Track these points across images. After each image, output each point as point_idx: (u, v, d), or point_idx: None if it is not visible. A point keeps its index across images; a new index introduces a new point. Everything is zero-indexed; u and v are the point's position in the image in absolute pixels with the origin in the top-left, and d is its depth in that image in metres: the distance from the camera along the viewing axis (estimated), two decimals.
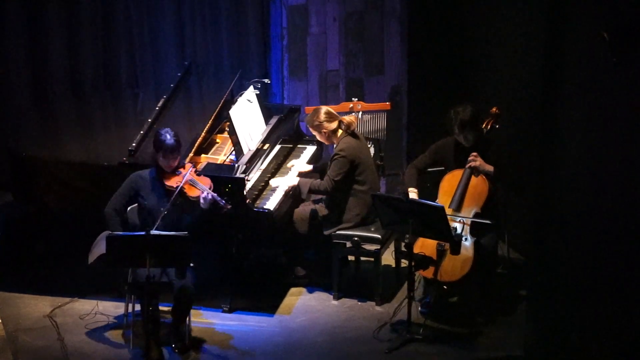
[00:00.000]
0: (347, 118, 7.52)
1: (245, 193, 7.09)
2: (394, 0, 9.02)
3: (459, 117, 7.11)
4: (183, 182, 6.77)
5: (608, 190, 5.56)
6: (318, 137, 7.59)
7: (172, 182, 6.82)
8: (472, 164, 7.13)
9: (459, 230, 6.99)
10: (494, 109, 7.35)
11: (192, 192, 6.82)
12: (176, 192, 6.71)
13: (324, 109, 7.51)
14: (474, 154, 7.14)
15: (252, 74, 8.55)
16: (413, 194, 7.29)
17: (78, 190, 7.49)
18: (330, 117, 7.46)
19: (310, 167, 7.80)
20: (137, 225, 6.92)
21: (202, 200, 6.77)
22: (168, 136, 6.79)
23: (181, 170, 6.88)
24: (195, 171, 6.97)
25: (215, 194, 6.78)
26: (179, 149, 6.85)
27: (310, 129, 7.56)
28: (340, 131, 7.48)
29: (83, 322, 7.17)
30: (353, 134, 7.49)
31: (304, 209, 7.60)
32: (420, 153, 7.58)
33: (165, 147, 6.80)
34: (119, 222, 6.86)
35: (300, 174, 7.68)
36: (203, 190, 6.79)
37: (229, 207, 6.78)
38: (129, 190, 6.91)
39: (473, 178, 7.14)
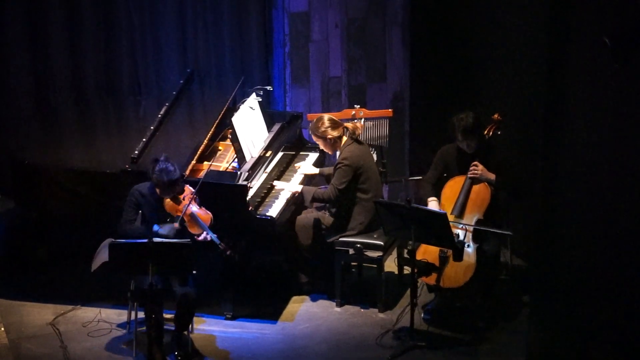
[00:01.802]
0: (351, 124, 7.51)
1: (247, 200, 7.09)
2: (396, 6, 9.02)
3: (462, 124, 7.11)
4: (184, 212, 6.69)
5: (611, 196, 5.56)
6: (321, 146, 7.57)
7: (171, 208, 6.75)
8: (474, 173, 7.12)
9: (461, 237, 6.98)
10: (495, 115, 7.35)
11: (192, 228, 6.76)
12: (178, 224, 6.70)
13: (326, 116, 7.51)
14: (475, 163, 7.14)
15: (254, 81, 8.55)
16: (434, 202, 7.28)
17: (80, 197, 7.48)
18: (334, 124, 7.45)
19: (316, 170, 7.78)
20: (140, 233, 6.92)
21: (200, 239, 6.76)
22: (165, 176, 6.60)
23: (180, 197, 6.77)
24: (195, 199, 6.80)
25: (215, 236, 6.68)
26: (174, 187, 6.69)
27: (314, 138, 7.55)
28: (344, 138, 7.48)
29: (86, 330, 7.17)
30: (357, 141, 7.48)
31: (306, 217, 7.59)
32: (423, 159, 7.59)
33: (162, 184, 6.67)
34: (135, 225, 6.85)
35: (307, 176, 7.67)
36: (204, 229, 6.71)
37: (228, 252, 6.71)
38: (134, 204, 6.87)
39: (475, 185, 7.14)
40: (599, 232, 5.68)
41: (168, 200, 6.76)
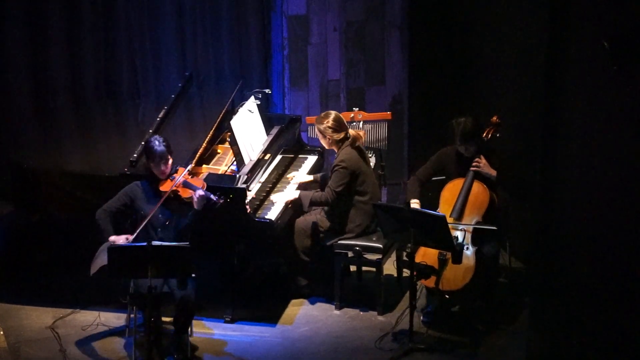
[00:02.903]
0: (354, 132, 7.48)
1: (246, 203, 7.09)
2: (395, 9, 9.03)
3: (461, 128, 7.12)
4: (175, 183, 6.81)
5: (609, 199, 5.57)
6: (319, 138, 7.56)
7: (167, 188, 6.86)
8: (476, 165, 7.13)
9: (460, 239, 6.99)
10: (494, 118, 7.36)
11: (185, 194, 6.86)
12: (167, 193, 6.75)
13: (334, 115, 7.46)
14: (479, 157, 7.15)
15: (253, 84, 8.56)
16: (415, 204, 7.28)
17: (80, 201, 7.48)
18: (339, 126, 7.42)
19: (310, 178, 7.79)
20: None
21: (195, 199, 6.80)
22: (157, 142, 6.89)
23: (175, 175, 6.94)
24: (189, 173, 6.99)
25: (208, 192, 6.81)
26: (168, 154, 6.91)
27: (316, 129, 7.54)
28: (345, 142, 7.46)
29: (85, 333, 7.17)
30: (358, 149, 7.46)
31: (304, 220, 7.58)
32: (422, 162, 7.57)
33: (155, 154, 6.87)
34: (109, 221, 6.89)
35: (301, 185, 7.67)
36: (195, 189, 6.82)
37: (221, 201, 6.81)
38: (123, 196, 6.96)
39: (474, 187, 7.14)
40: (598, 234, 5.68)
41: (163, 183, 6.90)
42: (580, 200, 5.84)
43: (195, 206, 6.82)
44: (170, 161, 6.94)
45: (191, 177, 7.01)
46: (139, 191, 6.96)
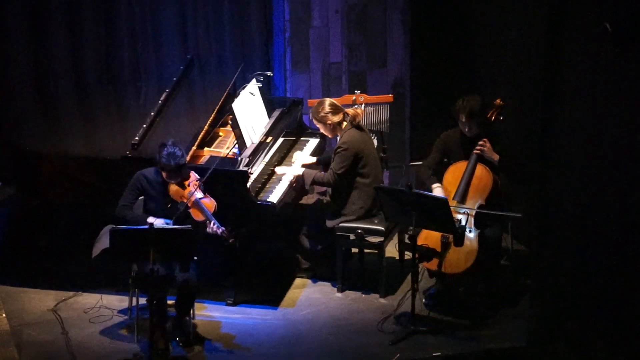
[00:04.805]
0: (352, 110, 7.52)
1: (248, 186, 7.09)
2: None
3: (469, 105, 7.11)
4: (189, 201, 6.67)
5: (610, 182, 5.56)
6: (322, 130, 7.58)
7: (176, 193, 6.74)
8: (481, 148, 7.11)
9: (462, 222, 6.98)
10: (498, 100, 7.34)
11: (197, 215, 6.74)
12: (181, 211, 6.69)
13: (328, 101, 7.51)
14: (484, 140, 7.13)
15: (255, 67, 8.54)
16: (439, 189, 7.26)
17: (81, 184, 7.48)
18: (335, 109, 7.45)
19: (313, 160, 7.80)
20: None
21: (209, 230, 6.70)
22: (171, 160, 6.62)
23: (185, 183, 6.75)
24: (200, 186, 6.76)
25: (222, 227, 6.65)
26: (181, 171, 6.70)
27: (314, 122, 7.56)
28: (344, 123, 7.48)
29: (87, 316, 7.18)
30: (358, 126, 7.48)
31: (307, 202, 7.59)
32: (423, 145, 7.58)
33: (167, 169, 6.69)
34: (132, 211, 6.84)
35: (304, 166, 7.68)
36: (208, 217, 6.67)
37: (232, 240, 6.68)
38: (135, 188, 6.86)
39: (477, 170, 7.14)
40: (599, 218, 5.68)
41: (173, 185, 6.76)
42: (580, 183, 5.84)
43: (208, 231, 6.75)
44: (182, 175, 6.75)
45: (203, 195, 6.73)
46: (147, 183, 6.86)
